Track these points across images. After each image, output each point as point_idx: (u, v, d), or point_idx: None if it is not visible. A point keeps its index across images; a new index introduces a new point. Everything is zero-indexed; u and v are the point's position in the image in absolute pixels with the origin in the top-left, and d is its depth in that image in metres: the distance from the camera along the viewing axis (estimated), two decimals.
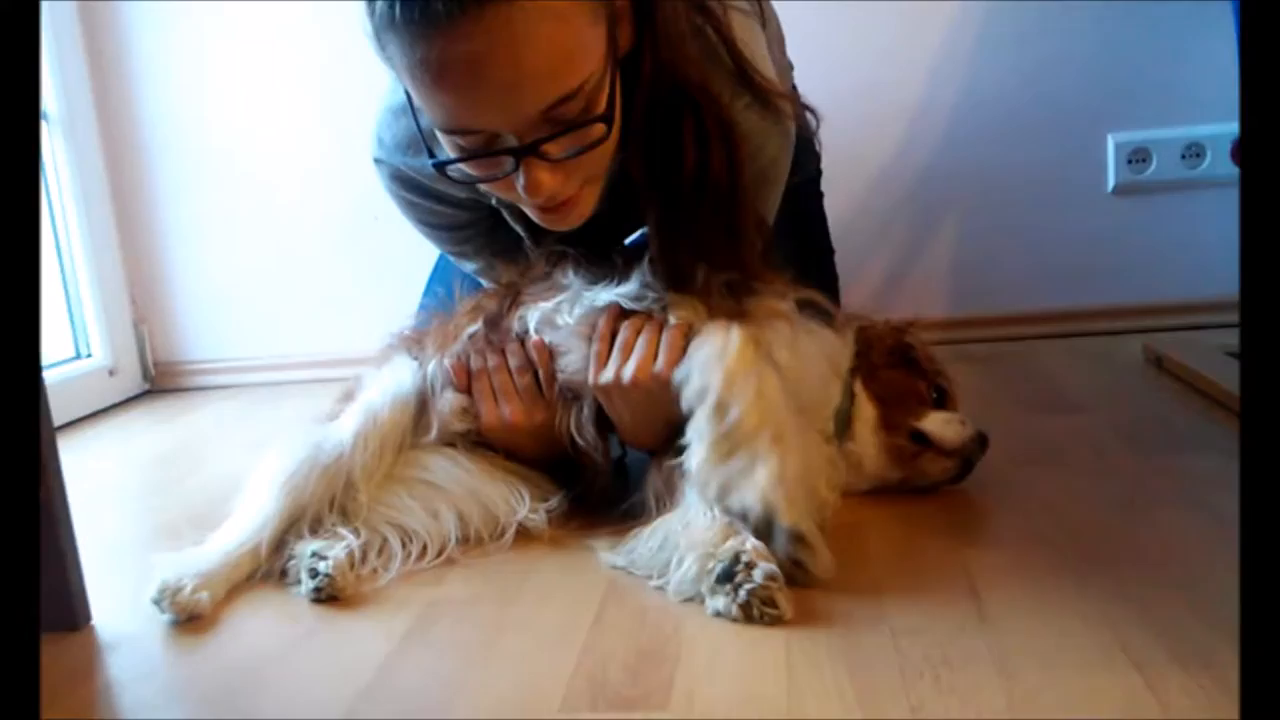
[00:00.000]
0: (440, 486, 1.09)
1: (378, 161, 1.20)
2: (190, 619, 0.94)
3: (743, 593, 0.85)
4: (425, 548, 1.05)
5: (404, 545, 1.05)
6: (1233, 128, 1.75)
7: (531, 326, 1.11)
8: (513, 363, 1.11)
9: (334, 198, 2.02)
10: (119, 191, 2.09)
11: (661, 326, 1.04)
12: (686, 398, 0.95)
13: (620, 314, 1.06)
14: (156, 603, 0.94)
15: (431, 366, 1.14)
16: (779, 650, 0.80)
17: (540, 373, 1.10)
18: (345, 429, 1.08)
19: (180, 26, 2.03)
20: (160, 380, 2.14)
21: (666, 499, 1.01)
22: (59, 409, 1.17)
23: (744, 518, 0.90)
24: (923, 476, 1.11)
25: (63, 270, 1.99)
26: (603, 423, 1.09)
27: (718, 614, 0.87)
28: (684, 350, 1.00)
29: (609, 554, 1.00)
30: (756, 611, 0.85)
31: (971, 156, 1.88)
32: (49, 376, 1.47)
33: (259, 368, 2.09)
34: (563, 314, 1.09)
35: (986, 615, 0.82)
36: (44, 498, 0.93)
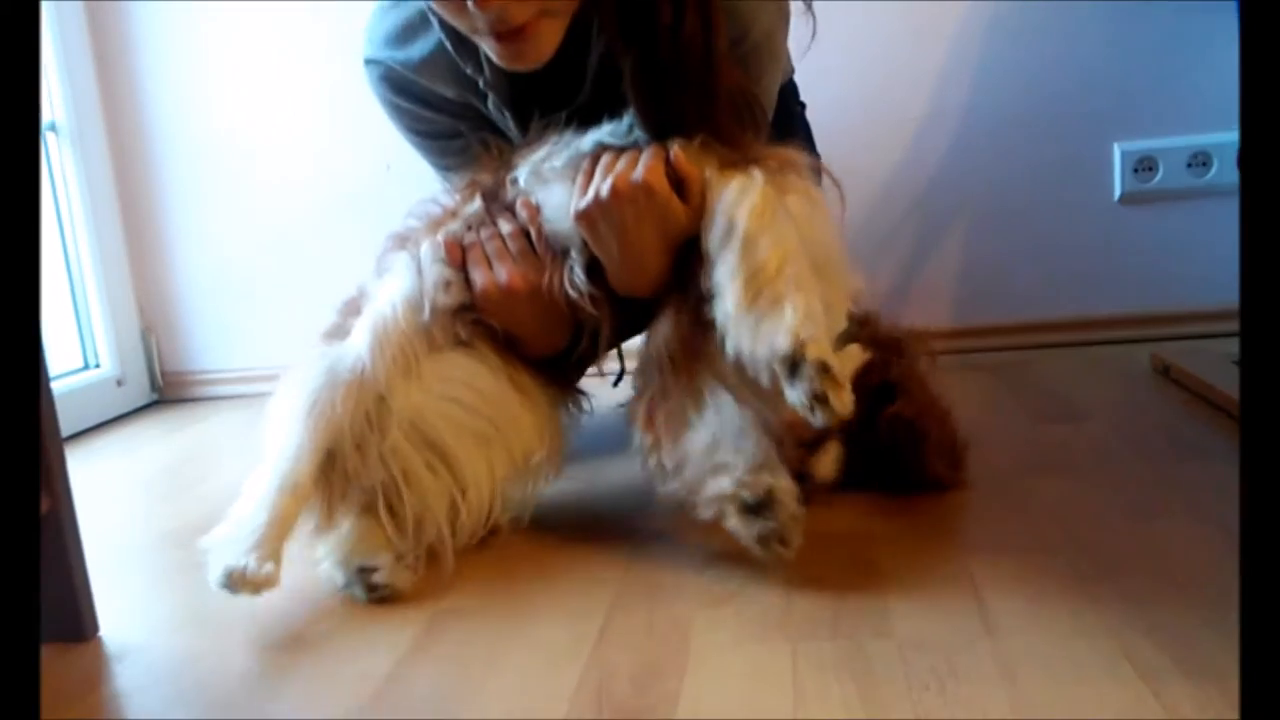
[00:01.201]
0: (464, 402, 1.07)
1: (368, 62, 1.21)
2: (265, 591, 0.92)
3: (766, 526, 0.90)
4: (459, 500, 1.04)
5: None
6: (1237, 135, 1.75)
7: (521, 181, 1.09)
8: (505, 228, 1.08)
9: (344, 207, 2.03)
10: (127, 202, 2.10)
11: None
12: (712, 241, 0.94)
13: (608, 152, 1.03)
14: (227, 588, 0.92)
15: (424, 247, 1.11)
16: (785, 661, 0.80)
17: (533, 233, 1.07)
18: (360, 343, 1.05)
19: (189, 38, 2.04)
20: (168, 390, 2.15)
21: (680, 373, 0.99)
22: (67, 420, 1.17)
23: (772, 366, 0.88)
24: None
25: (71, 281, 2.00)
26: (595, 277, 1.05)
27: (734, 532, 0.91)
28: (665, 162, 0.98)
29: (669, 451, 0.98)
30: (770, 546, 0.90)
31: (977, 166, 1.88)
32: (57, 387, 1.48)
33: (267, 378, 2.07)
34: (550, 161, 1.07)
35: (993, 625, 0.82)
36: (52, 509, 0.94)
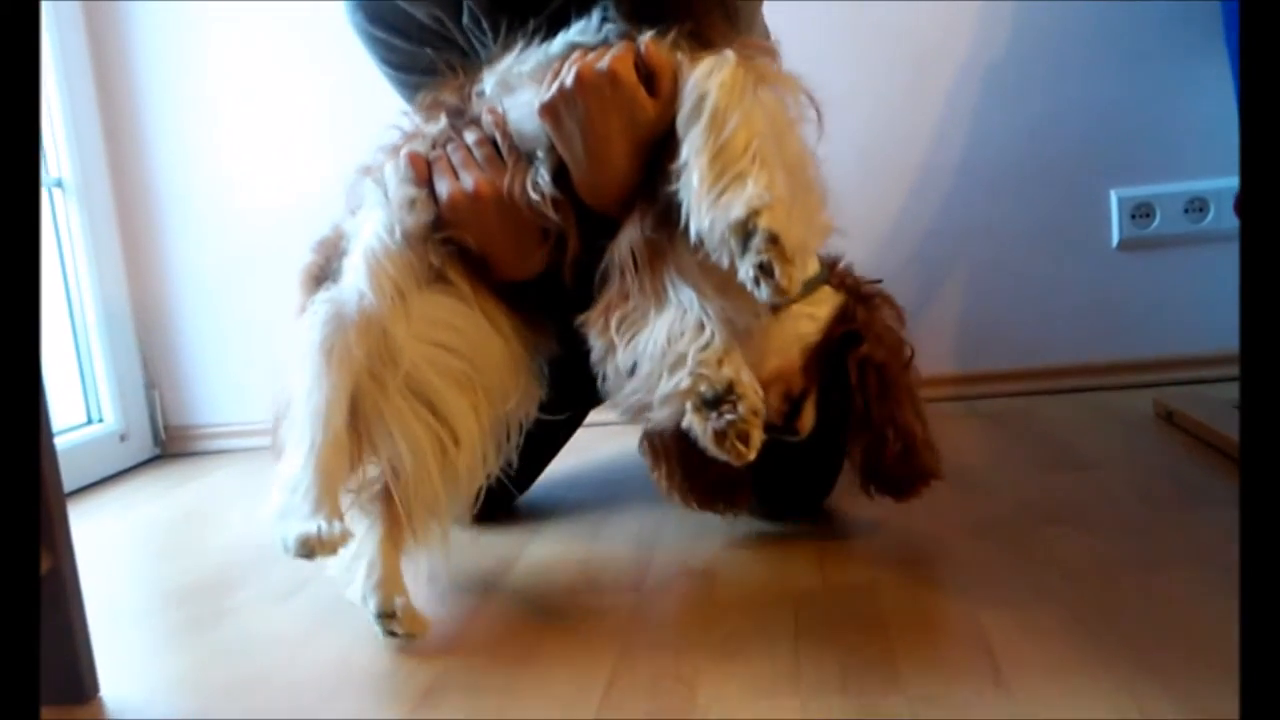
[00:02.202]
0: (446, 344, 1.05)
1: None
2: (342, 548, 0.92)
3: (724, 421, 0.86)
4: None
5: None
6: (1235, 182, 1.77)
7: (488, 91, 1.07)
8: (470, 138, 1.05)
9: None
10: (132, 258, 2.11)
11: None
12: (681, 117, 0.92)
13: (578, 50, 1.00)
14: (305, 555, 0.90)
15: (388, 169, 1.07)
16: (794, 717, 0.79)
17: (499, 140, 1.04)
18: (358, 280, 1.02)
19: (196, 96, 2.07)
20: (171, 444, 2.15)
21: (641, 274, 0.96)
22: (69, 475, 1.17)
23: (728, 241, 0.85)
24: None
25: (75, 336, 2.01)
26: (562, 183, 1.02)
27: (689, 430, 0.88)
28: (634, 54, 0.95)
29: (623, 353, 0.94)
30: (729, 442, 0.86)
31: (975, 214, 1.89)
32: (60, 443, 1.48)
33: (270, 431, 2.09)
34: (518, 67, 1.05)
35: (1003, 680, 0.81)
36: (53, 567, 0.93)
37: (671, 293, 0.94)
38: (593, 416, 1.54)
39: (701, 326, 0.91)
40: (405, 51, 1.21)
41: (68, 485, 1.00)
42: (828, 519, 1.27)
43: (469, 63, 1.15)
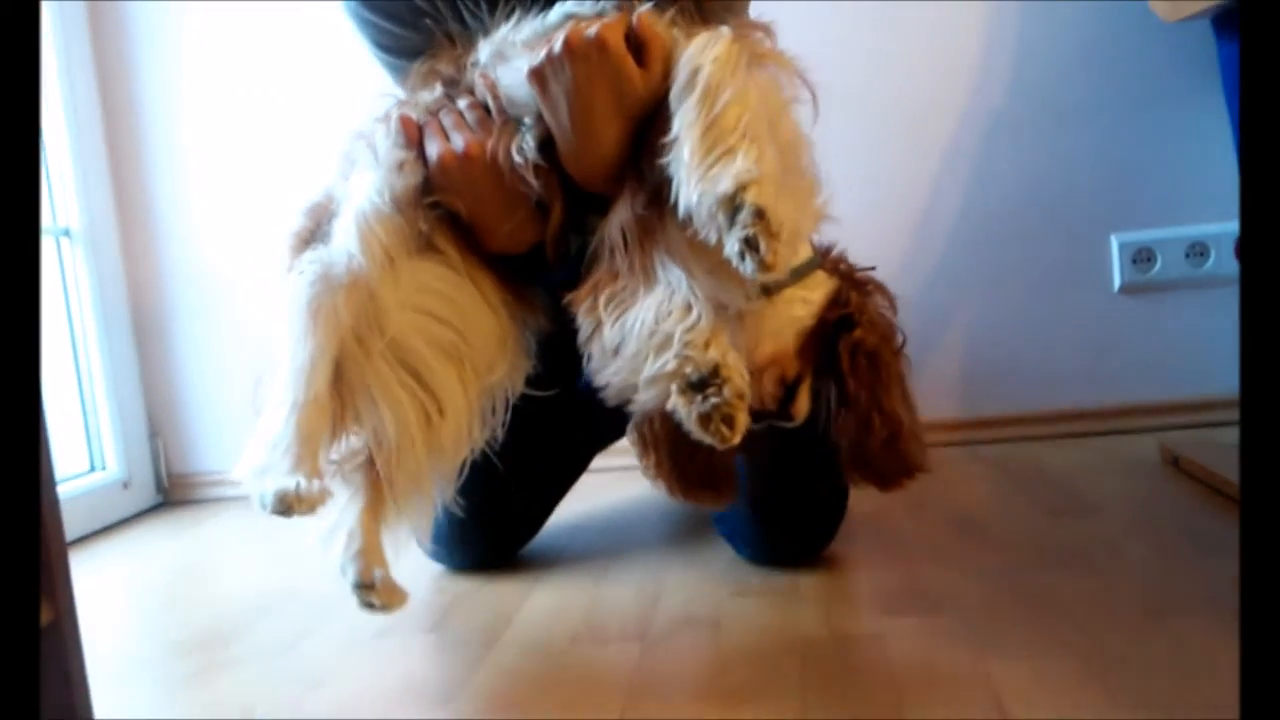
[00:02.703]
0: (434, 313, 1.04)
1: None
2: (319, 508, 0.90)
3: (708, 404, 0.86)
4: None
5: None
6: (1235, 226, 1.78)
7: (482, 60, 1.06)
8: (462, 103, 1.05)
9: None
10: (138, 306, 2.12)
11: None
12: (674, 91, 0.91)
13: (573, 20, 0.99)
14: (282, 512, 0.89)
15: (379, 132, 1.07)
16: None
17: (491, 105, 1.03)
18: (348, 242, 1.01)
19: (204, 146, 2.09)
20: (174, 492, 2.14)
21: (631, 253, 0.95)
22: (71, 524, 1.17)
23: (716, 217, 0.84)
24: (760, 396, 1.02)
25: (80, 384, 2.01)
26: (548, 153, 1.02)
27: (675, 412, 0.87)
28: (628, 24, 0.95)
29: (610, 331, 0.93)
30: (714, 425, 0.86)
31: (977, 260, 1.90)
32: (62, 491, 1.48)
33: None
34: (513, 35, 1.04)
35: None
36: (54, 620, 0.92)
37: (660, 272, 0.94)
38: (596, 463, 1.54)
39: (689, 307, 0.90)
40: (397, 35, 1.21)
41: (69, 534, 1.00)
42: (833, 565, 1.26)
43: (462, 40, 1.15)
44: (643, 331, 0.91)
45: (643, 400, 0.93)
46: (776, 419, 1.01)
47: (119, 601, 1.48)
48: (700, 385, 0.87)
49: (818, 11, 1.83)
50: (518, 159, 1.01)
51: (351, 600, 1.01)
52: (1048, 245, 1.89)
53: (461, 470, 1.11)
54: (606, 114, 0.96)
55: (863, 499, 1.31)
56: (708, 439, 0.88)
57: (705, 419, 0.87)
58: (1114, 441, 1.80)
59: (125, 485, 2.04)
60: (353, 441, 1.04)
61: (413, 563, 1.40)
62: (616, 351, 0.93)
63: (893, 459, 1.05)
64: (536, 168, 1.01)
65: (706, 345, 0.88)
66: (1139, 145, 1.85)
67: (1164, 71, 1.82)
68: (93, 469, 2.02)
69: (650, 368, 0.89)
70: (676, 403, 0.88)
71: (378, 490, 1.04)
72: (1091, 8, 1.83)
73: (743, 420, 0.87)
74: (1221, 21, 1.41)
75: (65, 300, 1.99)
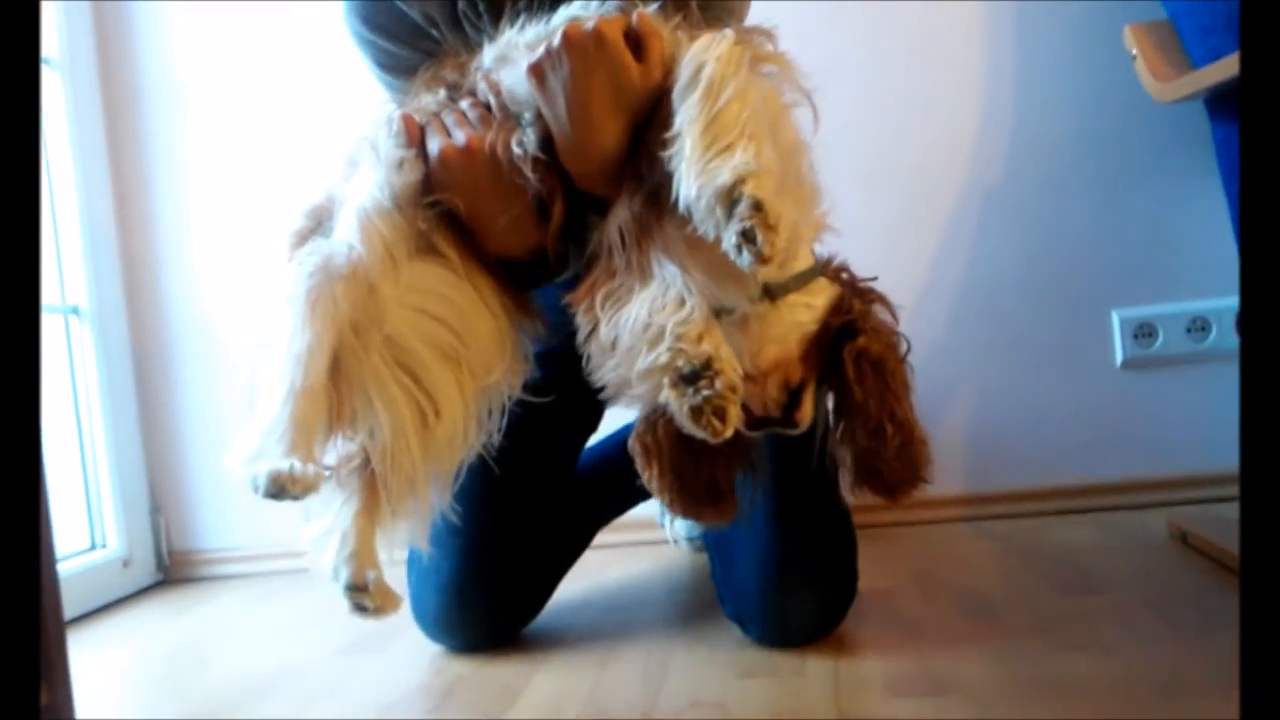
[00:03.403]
0: (433, 313, 1.03)
1: None
2: (312, 493, 0.89)
3: (700, 396, 0.85)
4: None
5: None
6: (1236, 301, 1.79)
7: (487, 63, 1.06)
8: (464, 103, 1.05)
9: None
10: (144, 383, 2.13)
11: None
12: (678, 88, 0.91)
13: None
14: (274, 495, 0.87)
15: (380, 130, 1.07)
16: None
17: (494, 104, 1.03)
18: (349, 235, 1.00)
19: (212, 224, 2.12)
20: (174, 570, 2.12)
21: (629, 252, 0.95)
22: (70, 603, 1.15)
23: (714, 210, 0.84)
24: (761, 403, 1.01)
25: (83, 461, 2.01)
26: (550, 152, 1.02)
27: (669, 407, 0.87)
28: (627, 21, 0.95)
29: (605, 328, 0.93)
30: (705, 418, 0.85)
31: (977, 335, 1.91)
32: (62, 569, 1.47)
33: (274, 556, 2.07)
34: (517, 38, 1.04)
35: None
36: (51, 703, 0.91)
37: (657, 269, 0.94)
38: (598, 539, 1.53)
39: (682, 301, 0.90)
40: (396, 55, 1.23)
41: (68, 613, 0.99)
42: (841, 646, 1.24)
43: (453, 56, 1.16)
44: (636, 326, 0.91)
45: (637, 394, 0.92)
46: (781, 425, 1.00)
47: (117, 682, 1.46)
48: (692, 378, 0.87)
49: (816, 89, 1.87)
50: (517, 151, 1.01)
51: (345, 603, 1.00)
52: (1049, 320, 1.90)
53: (457, 475, 1.10)
54: (603, 108, 0.96)
55: (870, 575, 1.30)
56: (700, 432, 0.87)
57: (697, 411, 0.86)
58: (1121, 517, 1.79)
59: (125, 563, 2.02)
60: (349, 443, 1.03)
61: (412, 643, 1.38)
62: (613, 348, 0.92)
63: (905, 466, 1.04)
64: (535, 160, 1.01)
65: (699, 338, 0.88)
66: (1137, 221, 1.87)
67: (1160, 149, 1.85)
68: (93, 546, 2.00)
69: (643, 361, 0.89)
70: (669, 395, 0.87)
71: (373, 494, 1.03)
72: (1086, 88, 1.87)
73: (734, 413, 0.87)
74: (1215, 104, 1.44)
75: (71, 377, 2.00)
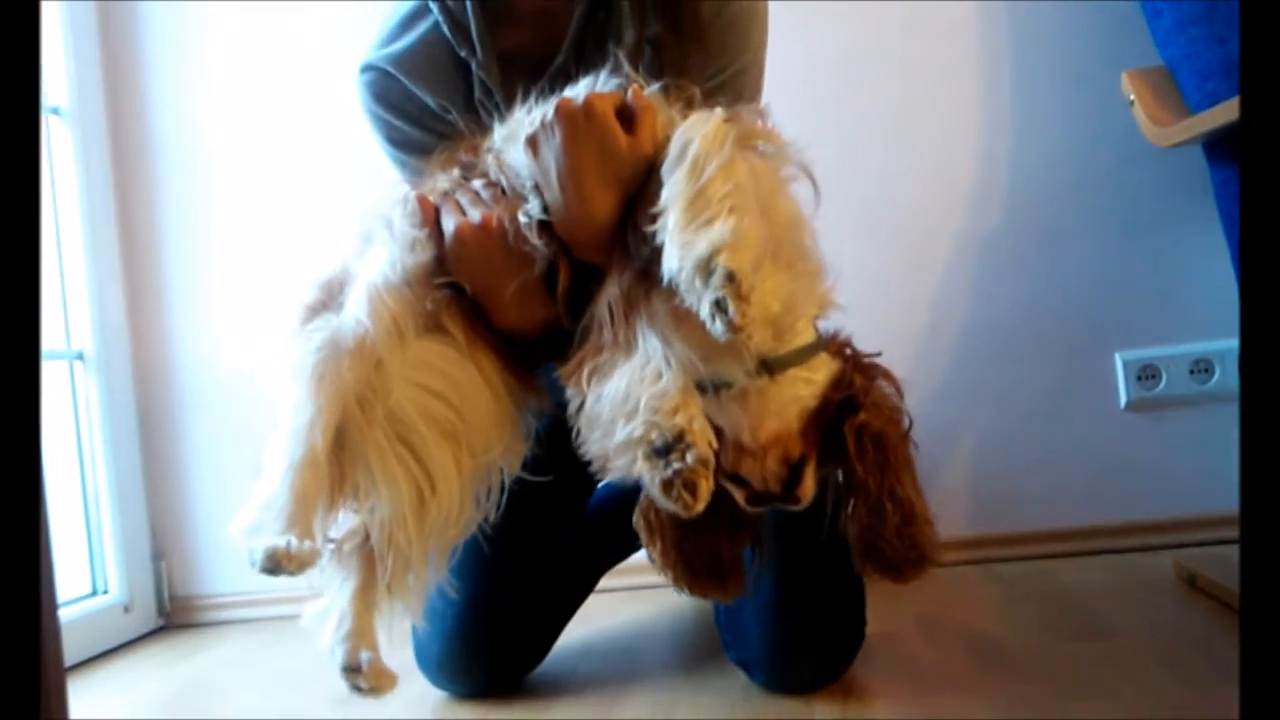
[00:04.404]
0: (434, 390, 1.03)
1: (362, 70, 1.24)
2: (309, 569, 0.90)
3: (671, 470, 0.85)
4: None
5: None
6: (1238, 343, 1.79)
7: (496, 142, 1.08)
8: (477, 183, 1.07)
9: None
10: (147, 429, 2.13)
11: None
12: (667, 164, 0.93)
13: None
14: (270, 571, 0.88)
15: (395, 209, 1.08)
16: None
17: (505, 184, 1.05)
18: (358, 310, 1.01)
19: (219, 273, 2.13)
20: (175, 615, 2.11)
21: (616, 326, 0.95)
22: (71, 649, 1.14)
23: (693, 280, 0.85)
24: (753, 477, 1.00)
25: (86, 506, 2.00)
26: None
27: (642, 481, 0.87)
28: (622, 98, 0.98)
29: (590, 402, 0.93)
30: (676, 492, 0.84)
31: (980, 377, 1.91)
32: (63, 615, 1.45)
33: (274, 601, 2.06)
34: (526, 117, 1.06)
35: None
36: None
37: (640, 342, 0.94)
38: (605, 582, 1.52)
39: (659, 374, 0.91)
40: (408, 134, 1.26)
41: (69, 659, 0.98)
42: (848, 693, 1.23)
43: (468, 139, 1.18)
44: (616, 399, 0.91)
45: (615, 468, 0.92)
46: (782, 501, 1.00)
47: None
48: (664, 451, 0.86)
49: (819, 136, 1.89)
50: (523, 219, 1.03)
51: (341, 682, 1.00)
52: (1052, 363, 1.90)
53: (453, 553, 1.10)
54: (593, 178, 0.99)
55: (876, 618, 1.29)
56: (671, 506, 0.87)
57: (668, 485, 0.86)
58: (1127, 559, 1.78)
59: (127, 609, 2.01)
60: (349, 519, 1.04)
61: (416, 690, 1.37)
62: (596, 422, 0.93)
63: (907, 547, 1.02)
64: (540, 226, 1.03)
65: (674, 411, 0.88)
66: (1138, 264, 1.88)
67: (1159, 193, 1.86)
68: (94, 592, 1.99)
69: (620, 434, 0.89)
70: (642, 469, 0.87)
71: (371, 572, 1.04)
72: (1085, 133, 1.88)
73: (705, 487, 0.86)
74: (1213, 148, 1.45)
75: (75, 422, 2.00)
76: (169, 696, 1.61)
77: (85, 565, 2.00)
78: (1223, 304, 1.82)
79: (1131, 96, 1.57)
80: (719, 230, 0.86)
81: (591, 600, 1.49)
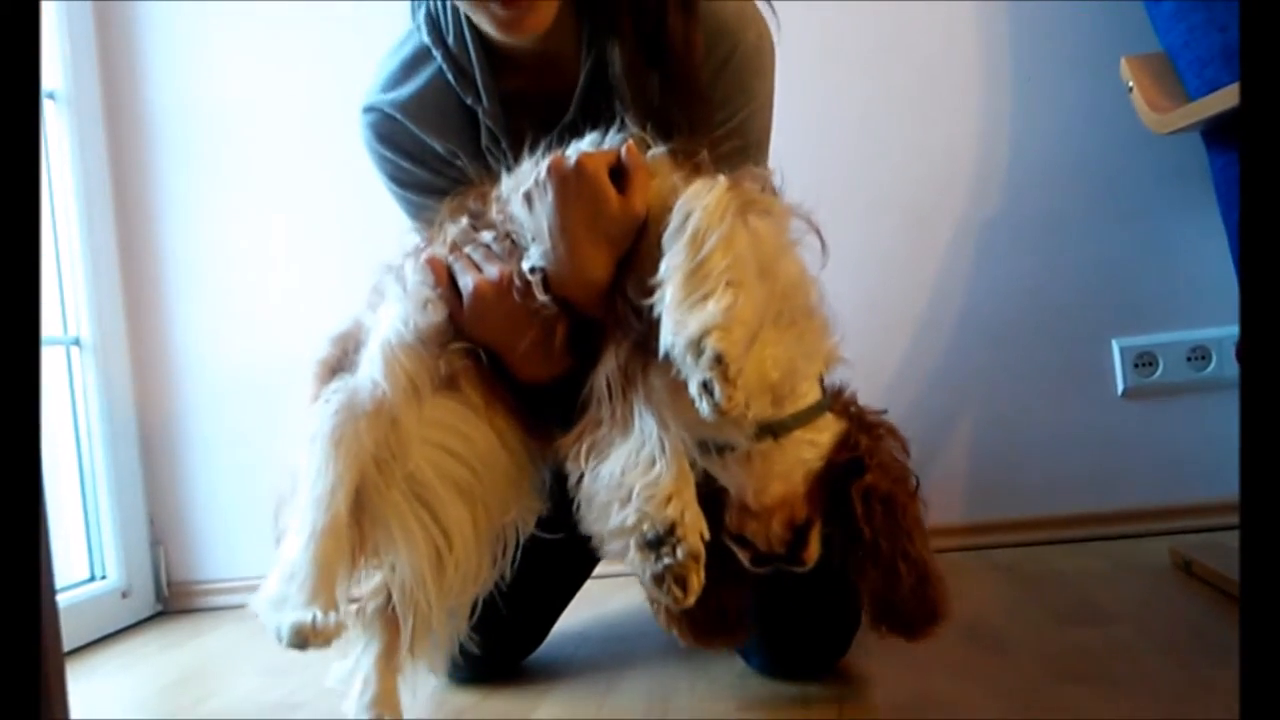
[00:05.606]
0: (451, 449, 1.04)
1: (364, 110, 1.25)
2: (335, 641, 0.91)
3: (661, 564, 0.85)
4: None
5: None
6: (1236, 330, 1.79)
7: (503, 192, 1.08)
8: (486, 237, 1.07)
9: None
10: (145, 413, 2.13)
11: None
12: (668, 234, 0.93)
13: None
14: (298, 646, 0.89)
15: (408, 269, 1.09)
16: None
17: (512, 233, 1.06)
18: (373, 370, 1.02)
19: (216, 257, 2.13)
20: (173, 601, 2.11)
21: (614, 403, 0.96)
22: (69, 634, 1.15)
23: (686, 357, 0.86)
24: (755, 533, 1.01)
25: (84, 492, 2.01)
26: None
27: (632, 569, 0.88)
28: (618, 157, 0.99)
29: (587, 480, 0.94)
30: (666, 586, 0.85)
31: (977, 366, 1.91)
32: (61, 600, 1.46)
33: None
34: (532, 170, 1.06)
35: None
36: None
37: (637, 422, 0.95)
38: (601, 568, 1.52)
39: (653, 461, 0.91)
40: (413, 173, 1.26)
41: (67, 644, 0.99)
42: (844, 678, 1.23)
43: (477, 185, 1.18)
44: (610, 483, 0.92)
45: (609, 551, 0.93)
46: (786, 563, 1.00)
47: (116, 713, 1.45)
48: (656, 544, 0.87)
49: (818, 120, 1.89)
50: (525, 267, 1.03)
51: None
52: (1049, 350, 1.90)
53: (472, 611, 1.11)
54: (583, 236, 1.00)
55: None
56: (662, 599, 0.88)
57: (659, 579, 0.87)
58: (1123, 546, 1.78)
59: (124, 594, 2.01)
60: (370, 583, 1.06)
61: (412, 676, 1.37)
62: (592, 502, 0.93)
63: (922, 606, 1.03)
64: (545, 281, 1.03)
65: (666, 501, 0.89)
66: (1136, 251, 1.88)
67: (1157, 180, 1.86)
68: (93, 578, 2.00)
69: (614, 520, 0.90)
70: (634, 559, 0.88)
71: (394, 635, 1.06)
72: (1084, 120, 1.88)
73: (696, 582, 0.88)
74: (1212, 135, 1.45)
75: (72, 408, 2.00)
76: (167, 681, 1.62)
77: (83, 551, 2.00)
78: (1220, 291, 1.82)
79: (1131, 83, 1.57)
80: (711, 310, 0.86)
81: (587, 585, 1.49)
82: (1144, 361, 1.87)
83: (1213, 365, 1.85)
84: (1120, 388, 1.88)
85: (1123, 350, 1.88)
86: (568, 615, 1.46)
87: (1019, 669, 1.20)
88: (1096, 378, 1.89)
